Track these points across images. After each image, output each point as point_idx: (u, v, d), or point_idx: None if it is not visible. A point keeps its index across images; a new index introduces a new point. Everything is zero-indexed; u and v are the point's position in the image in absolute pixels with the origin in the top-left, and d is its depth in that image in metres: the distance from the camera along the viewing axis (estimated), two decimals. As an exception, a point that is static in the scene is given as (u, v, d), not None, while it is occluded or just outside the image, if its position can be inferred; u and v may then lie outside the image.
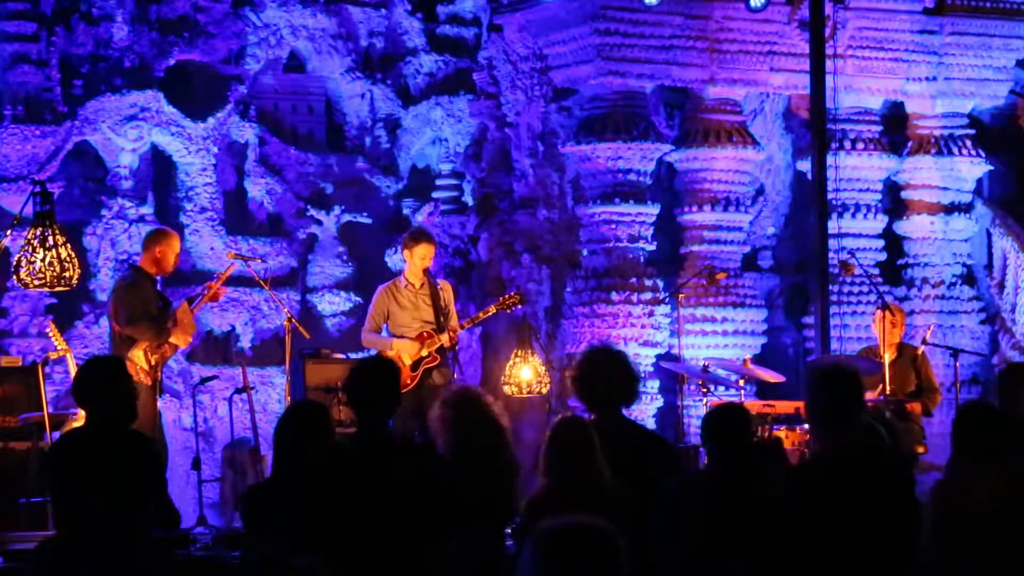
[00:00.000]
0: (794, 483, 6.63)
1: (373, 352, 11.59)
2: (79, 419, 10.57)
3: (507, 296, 12.03)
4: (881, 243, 15.23)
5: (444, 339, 11.25)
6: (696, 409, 13.34)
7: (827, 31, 13.72)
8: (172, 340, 10.58)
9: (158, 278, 11.04)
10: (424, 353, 11.25)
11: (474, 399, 7.36)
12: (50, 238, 9.41)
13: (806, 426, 11.31)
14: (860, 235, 14.98)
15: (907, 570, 6.41)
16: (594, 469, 6.56)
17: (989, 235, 15.58)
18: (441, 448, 7.15)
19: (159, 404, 10.68)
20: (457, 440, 7.16)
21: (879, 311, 12.28)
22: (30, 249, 9.43)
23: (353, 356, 13.01)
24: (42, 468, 7.09)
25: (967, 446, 6.85)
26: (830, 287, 13.80)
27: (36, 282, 9.49)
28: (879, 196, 15.28)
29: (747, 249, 15.03)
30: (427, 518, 6.38)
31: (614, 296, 14.05)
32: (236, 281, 13.61)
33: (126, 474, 6.73)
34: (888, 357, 11.91)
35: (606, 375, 7.20)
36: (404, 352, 11.23)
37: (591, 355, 7.37)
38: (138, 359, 10.31)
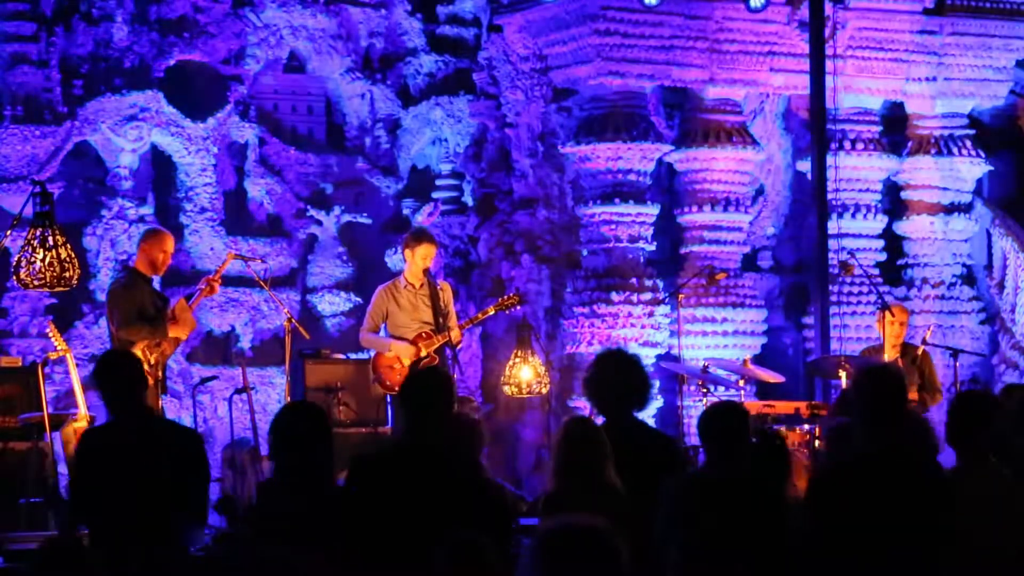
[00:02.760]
0: (829, 481, 6.58)
1: (372, 352, 11.60)
2: (80, 419, 10.59)
3: (506, 297, 12.03)
4: (881, 243, 15.23)
5: (442, 339, 11.23)
6: (696, 409, 13.34)
7: (827, 31, 13.74)
8: (171, 334, 10.57)
9: (154, 277, 11.03)
10: (423, 354, 11.25)
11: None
12: (50, 238, 9.42)
13: (806, 426, 11.33)
14: (860, 235, 14.99)
15: (938, 571, 6.38)
16: (603, 471, 6.56)
17: (989, 235, 15.59)
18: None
19: (162, 403, 10.69)
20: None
21: (882, 311, 12.29)
22: (30, 249, 9.44)
23: (353, 356, 13.03)
24: (75, 462, 7.14)
25: (964, 438, 6.83)
26: (830, 287, 13.82)
27: (36, 282, 9.50)
28: (879, 196, 15.29)
29: (747, 249, 15.03)
30: (433, 518, 6.37)
31: (614, 296, 14.05)
32: (236, 281, 13.62)
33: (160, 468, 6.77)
34: (891, 357, 11.92)
35: (620, 378, 7.19)
36: (402, 354, 11.23)
37: (605, 358, 7.36)
38: None
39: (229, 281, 13.06)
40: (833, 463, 6.94)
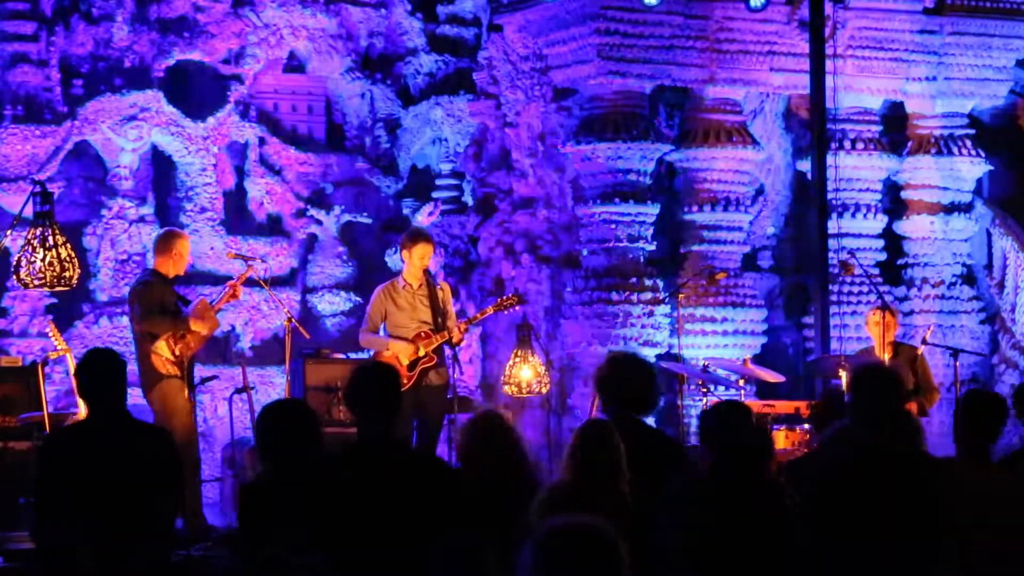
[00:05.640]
0: (826, 480, 6.59)
1: (371, 352, 11.61)
2: (80, 419, 10.59)
3: (505, 297, 12.04)
4: (881, 243, 15.23)
5: (440, 338, 11.23)
6: (696, 409, 13.34)
7: (827, 31, 13.74)
8: (194, 327, 10.61)
9: (173, 278, 11.08)
10: (421, 353, 11.25)
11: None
12: (50, 238, 9.43)
13: (806, 426, 11.33)
14: (860, 235, 14.99)
15: (929, 570, 6.38)
16: (617, 471, 6.59)
17: (989, 235, 15.59)
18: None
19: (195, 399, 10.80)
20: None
21: (873, 312, 12.30)
22: (30, 249, 9.45)
23: (353, 356, 13.03)
24: (38, 463, 7.06)
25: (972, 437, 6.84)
26: (830, 287, 13.82)
27: (36, 282, 9.51)
28: (879, 196, 15.29)
29: (747, 249, 15.03)
30: (426, 518, 6.37)
31: (614, 296, 14.05)
32: (236, 281, 13.62)
33: (133, 471, 6.72)
34: (883, 357, 11.92)
35: (630, 379, 7.25)
36: (400, 353, 11.23)
37: (615, 359, 7.43)
38: (162, 350, 10.40)
39: (227, 281, 13.06)
40: (833, 462, 6.94)
